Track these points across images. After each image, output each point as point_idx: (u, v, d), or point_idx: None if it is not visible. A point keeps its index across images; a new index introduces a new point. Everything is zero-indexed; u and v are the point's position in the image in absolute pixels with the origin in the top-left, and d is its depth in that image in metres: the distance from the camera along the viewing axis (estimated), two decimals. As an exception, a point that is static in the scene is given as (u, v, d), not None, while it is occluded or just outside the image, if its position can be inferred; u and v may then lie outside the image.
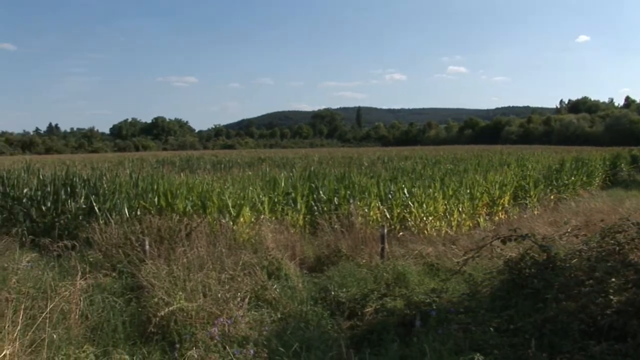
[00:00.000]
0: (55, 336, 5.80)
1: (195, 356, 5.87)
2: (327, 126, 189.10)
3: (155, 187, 12.85)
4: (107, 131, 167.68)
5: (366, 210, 13.03)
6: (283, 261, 9.26)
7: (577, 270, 6.43)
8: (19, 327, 5.32)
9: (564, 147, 59.05)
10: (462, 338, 5.68)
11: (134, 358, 6.09)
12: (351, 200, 13.26)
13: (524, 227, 10.37)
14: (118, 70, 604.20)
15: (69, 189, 12.60)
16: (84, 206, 12.06)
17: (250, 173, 19.81)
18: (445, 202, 14.90)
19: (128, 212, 11.66)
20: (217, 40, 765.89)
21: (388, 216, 13.38)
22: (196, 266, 8.00)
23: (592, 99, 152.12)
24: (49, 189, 12.63)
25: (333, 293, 8.25)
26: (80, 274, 7.30)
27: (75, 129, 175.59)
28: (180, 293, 6.97)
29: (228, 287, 7.48)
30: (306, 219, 13.21)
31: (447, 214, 14.84)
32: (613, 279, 5.85)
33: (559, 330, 5.46)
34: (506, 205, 18.19)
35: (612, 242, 6.65)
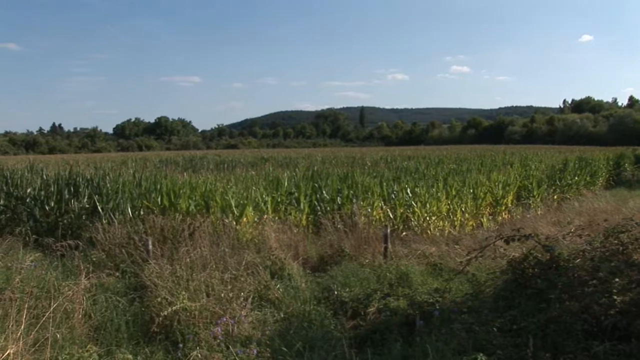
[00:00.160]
0: (58, 335, 5.81)
1: (199, 356, 5.87)
2: (330, 126, 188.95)
3: (159, 186, 12.85)
4: (110, 131, 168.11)
5: (369, 210, 13.03)
6: (286, 261, 9.26)
7: (581, 271, 6.41)
8: (22, 327, 5.33)
9: (568, 147, 58.98)
10: (466, 338, 5.67)
11: (137, 358, 6.09)
12: (354, 200, 13.26)
13: (527, 227, 10.34)
14: (122, 70, 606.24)
15: (72, 189, 12.62)
16: (87, 206, 12.07)
17: (253, 173, 19.79)
18: (449, 202, 14.89)
19: (131, 211, 11.66)
20: (220, 40, 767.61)
21: (391, 216, 13.38)
22: (199, 266, 8.01)
23: (596, 99, 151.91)
24: (52, 189, 12.65)
25: (336, 293, 8.25)
26: (83, 273, 7.33)
27: (78, 129, 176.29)
28: (184, 293, 6.98)
29: (231, 287, 7.48)
30: (309, 218, 13.21)
31: (450, 213, 14.84)
32: (617, 279, 5.84)
33: (563, 331, 5.45)
34: (509, 205, 18.17)
35: (616, 242, 6.64)
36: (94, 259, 9.22)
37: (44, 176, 14.21)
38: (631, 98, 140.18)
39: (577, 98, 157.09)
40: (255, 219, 11.74)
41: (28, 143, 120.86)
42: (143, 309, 7.18)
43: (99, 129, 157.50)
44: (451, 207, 14.92)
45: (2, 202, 13.04)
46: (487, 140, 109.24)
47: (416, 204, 13.94)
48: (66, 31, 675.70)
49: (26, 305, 5.82)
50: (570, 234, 8.25)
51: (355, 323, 7.45)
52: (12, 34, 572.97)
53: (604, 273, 6.03)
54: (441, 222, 14.22)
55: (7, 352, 4.94)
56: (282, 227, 11.36)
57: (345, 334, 6.76)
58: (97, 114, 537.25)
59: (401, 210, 13.76)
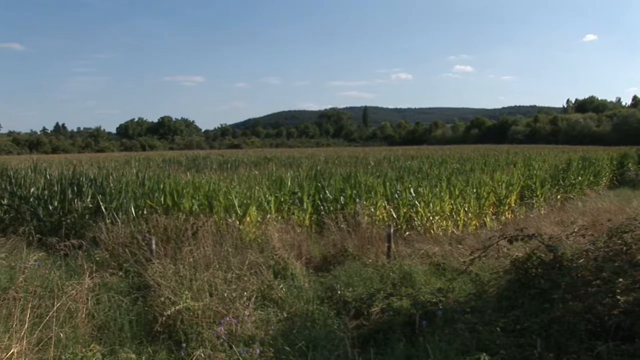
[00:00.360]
0: (62, 335, 5.82)
1: (202, 355, 5.87)
2: (334, 126, 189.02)
3: (162, 186, 12.87)
4: (113, 131, 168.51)
5: (372, 209, 13.02)
6: (289, 261, 9.26)
7: (584, 270, 6.40)
8: (26, 326, 5.35)
9: (571, 147, 58.86)
10: (469, 338, 5.67)
11: (141, 357, 6.10)
12: (357, 200, 13.26)
13: (530, 226, 10.34)
14: (125, 70, 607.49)
15: (75, 189, 12.65)
16: (90, 205, 12.09)
17: (256, 172, 19.80)
18: (452, 202, 14.88)
19: (134, 211, 11.68)
20: (223, 40, 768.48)
21: (394, 216, 13.37)
22: (202, 265, 8.02)
23: (599, 99, 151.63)
24: (55, 189, 12.69)
25: (339, 292, 8.25)
26: (87, 273, 7.34)
27: (82, 129, 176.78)
28: (187, 292, 6.98)
29: (234, 287, 7.49)
30: (312, 218, 13.21)
31: (453, 213, 14.82)
32: (620, 279, 5.82)
33: (566, 331, 5.44)
34: (513, 204, 18.14)
35: (620, 242, 6.62)
36: (98, 259, 9.23)
37: (48, 176, 14.27)
38: (635, 98, 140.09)
39: (581, 98, 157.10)
40: (259, 219, 11.74)
41: (32, 143, 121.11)
42: (146, 309, 7.19)
43: (102, 128, 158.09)
44: (454, 206, 14.90)
45: (5, 201, 13.07)
46: (491, 140, 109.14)
47: (419, 203, 13.92)
48: (69, 31, 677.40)
49: (30, 305, 5.84)
50: (574, 234, 8.23)
51: (358, 323, 7.44)
52: (16, 34, 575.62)
53: (608, 273, 6.02)
54: (444, 222, 14.20)
55: (11, 351, 4.95)
56: (285, 226, 11.36)
57: (348, 333, 6.75)
58: (100, 114, 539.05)
59: (404, 210, 13.75)
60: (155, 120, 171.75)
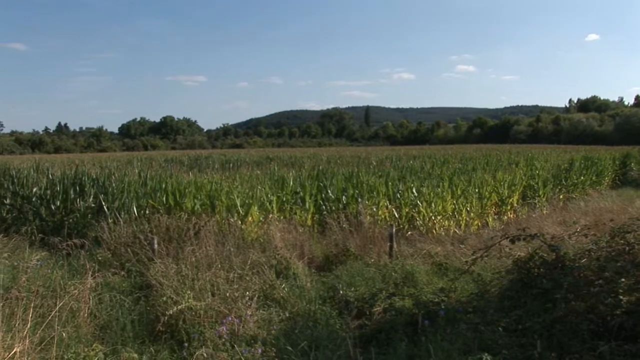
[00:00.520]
0: (64, 334, 5.83)
1: (204, 355, 5.88)
2: (336, 125, 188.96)
3: (164, 186, 12.88)
4: (115, 130, 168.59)
5: (374, 209, 13.01)
6: (291, 260, 9.26)
7: (587, 270, 6.39)
8: (28, 325, 5.35)
9: (573, 147, 58.76)
10: (471, 338, 5.66)
11: (143, 357, 6.11)
12: (359, 200, 13.25)
13: (532, 226, 10.31)
14: (127, 70, 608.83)
15: (78, 188, 12.67)
16: (92, 205, 12.11)
17: (258, 172, 19.83)
18: (454, 202, 14.85)
19: (137, 211, 11.69)
20: (226, 40, 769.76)
21: (396, 215, 13.36)
22: (205, 265, 8.03)
23: (602, 98, 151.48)
24: (58, 188, 12.70)
25: (341, 292, 8.25)
26: (89, 272, 7.35)
27: (84, 128, 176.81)
28: (189, 292, 6.99)
29: (236, 286, 7.49)
30: (314, 218, 13.20)
31: (455, 213, 14.80)
32: (623, 279, 5.81)
33: (568, 331, 5.43)
34: (515, 204, 18.11)
35: (622, 242, 6.61)
36: (100, 258, 9.25)
37: (50, 176, 14.28)
38: (637, 97, 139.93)
39: (583, 97, 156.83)
40: (261, 219, 11.74)
41: (34, 142, 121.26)
42: (148, 308, 7.20)
43: (104, 128, 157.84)
44: (456, 206, 14.88)
45: (8, 201, 13.10)
46: (493, 139, 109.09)
47: (421, 203, 13.91)
48: (71, 31, 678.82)
49: (32, 304, 5.85)
50: (576, 234, 8.22)
51: (360, 322, 7.43)
52: (19, 34, 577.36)
53: (610, 273, 6.01)
54: (446, 222, 14.18)
55: (14, 350, 4.96)
56: (288, 226, 11.36)
57: (350, 333, 6.75)
58: (102, 114, 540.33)
59: (406, 210, 13.74)
60: (158, 120, 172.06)
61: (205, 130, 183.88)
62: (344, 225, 11.53)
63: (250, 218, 11.70)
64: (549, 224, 12.33)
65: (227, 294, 7.22)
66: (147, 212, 11.67)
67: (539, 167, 23.83)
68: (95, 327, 6.60)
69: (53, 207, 12.23)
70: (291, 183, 14.33)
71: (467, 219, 15.03)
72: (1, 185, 13.95)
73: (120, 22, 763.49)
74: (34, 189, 13.13)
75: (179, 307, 6.74)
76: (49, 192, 12.81)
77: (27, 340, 5.18)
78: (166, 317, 6.68)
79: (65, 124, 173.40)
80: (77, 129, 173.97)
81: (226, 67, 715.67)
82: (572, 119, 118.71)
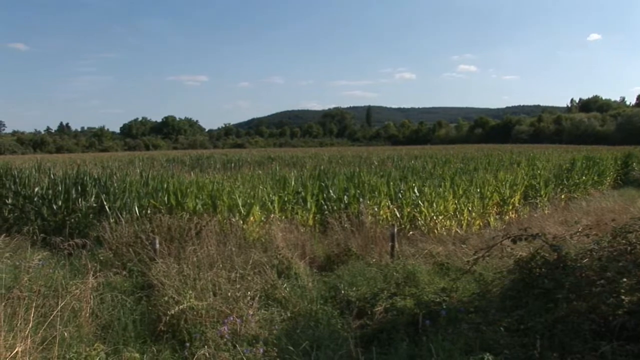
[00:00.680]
0: (66, 334, 5.83)
1: (206, 355, 5.88)
2: (337, 125, 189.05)
3: (166, 186, 12.88)
4: (117, 130, 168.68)
5: (376, 209, 13.01)
6: (293, 260, 9.27)
7: (588, 270, 6.38)
8: (30, 325, 5.36)
9: (575, 146, 58.79)
10: (473, 337, 5.66)
11: (144, 356, 6.11)
12: (361, 200, 13.24)
13: (534, 226, 10.31)
14: (128, 69, 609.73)
15: (79, 188, 12.67)
16: (94, 205, 12.11)
17: (260, 172, 19.83)
18: (456, 202, 14.85)
19: (138, 210, 11.69)
20: (226, 40, 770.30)
21: (398, 215, 13.35)
22: (206, 265, 8.03)
23: (604, 98, 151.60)
24: (59, 188, 12.70)
25: (343, 292, 8.25)
26: (91, 272, 7.35)
27: (86, 128, 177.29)
28: (191, 292, 6.99)
29: (238, 286, 7.49)
30: (316, 218, 13.20)
31: (457, 213, 14.79)
32: (624, 279, 5.81)
33: (570, 330, 5.43)
34: (516, 204, 18.09)
35: (624, 241, 6.60)
36: (102, 258, 9.26)
37: (52, 175, 14.27)
38: (639, 97, 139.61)
39: (585, 97, 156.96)
40: (262, 218, 11.74)
41: (36, 142, 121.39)
42: (150, 308, 7.20)
43: (106, 128, 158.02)
44: (458, 206, 14.87)
45: (10, 201, 13.11)
46: (494, 139, 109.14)
47: (423, 203, 13.90)
48: (72, 31, 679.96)
49: (34, 304, 5.86)
50: (578, 234, 8.21)
51: (362, 322, 7.43)
52: (20, 34, 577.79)
53: (612, 273, 6.00)
54: (448, 222, 14.18)
55: (16, 350, 4.96)
56: (289, 226, 11.36)
57: (351, 333, 6.75)
58: (104, 114, 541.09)
59: (408, 210, 13.73)
60: (159, 120, 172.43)
61: (206, 130, 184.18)
62: (345, 225, 11.53)
63: (251, 218, 11.70)
64: (551, 224, 12.32)
65: (229, 294, 7.22)
66: (149, 212, 11.67)
67: (540, 167, 23.81)
68: (96, 326, 6.60)
69: (55, 207, 12.24)
70: (293, 183, 14.33)
71: (469, 218, 15.02)
72: (3, 185, 13.95)
73: (120, 22, 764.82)
74: (36, 189, 13.14)
75: (181, 306, 6.74)
76: (50, 192, 12.81)
77: (29, 340, 5.19)
78: (168, 317, 6.68)
79: (67, 124, 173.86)
80: (79, 129, 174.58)
81: (227, 67, 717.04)
82: (574, 118, 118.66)
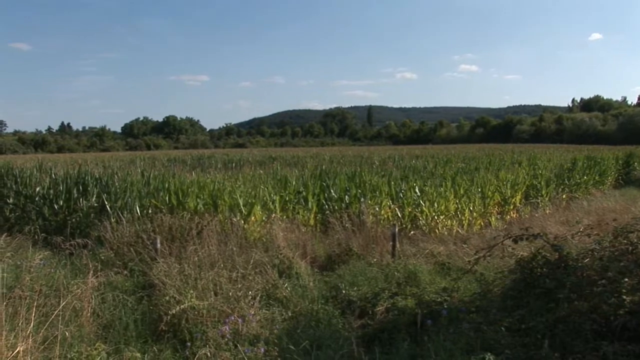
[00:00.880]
0: (67, 334, 5.84)
1: (207, 354, 5.89)
2: (338, 125, 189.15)
3: (167, 185, 12.87)
4: (118, 130, 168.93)
5: (377, 209, 13.01)
6: (294, 260, 9.27)
7: (590, 270, 6.38)
8: (32, 325, 5.37)
9: (576, 146, 58.76)
10: (474, 337, 5.66)
11: (145, 356, 6.11)
12: (362, 199, 13.23)
13: (535, 226, 10.30)
14: (130, 69, 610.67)
15: (81, 188, 12.68)
16: (95, 204, 12.12)
17: (261, 172, 19.84)
18: (457, 201, 14.84)
19: (139, 210, 11.69)
20: (226, 40, 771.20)
21: (399, 215, 13.34)
22: (207, 265, 8.03)
23: (605, 98, 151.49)
24: (61, 188, 12.71)
25: (344, 292, 8.25)
26: (92, 272, 7.36)
27: (87, 128, 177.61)
28: (192, 291, 6.99)
29: (239, 286, 7.50)
30: (317, 217, 13.19)
31: (458, 213, 14.78)
32: (626, 279, 5.80)
33: (571, 330, 5.43)
34: (518, 204, 18.08)
35: (625, 241, 6.60)
36: (103, 258, 9.25)
37: (53, 175, 14.30)
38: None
39: (586, 97, 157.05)
40: (263, 218, 11.74)
41: (37, 142, 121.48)
42: (151, 308, 7.20)
43: (107, 128, 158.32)
44: (459, 206, 14.86)
45: (11, 200, 13.13)
46: (496, 139, 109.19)
47: (424, 203, 13.89)
48: (72, 31, 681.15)
49: (35, 304, 5.86)
50: (579, 234, 8.20)
51: (363, 322, 7.43)
52: (22, 34, 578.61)
53: (613, 273, 6.00)
54: (449, 221, 14.17)
55: (17, 349, 4.97)
56: (290, 226, 11.37)
57: (353, 332, 6.77)
58: (105, 113, 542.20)
59: (409, 209, 13.72)
60: (160, 120, 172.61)
61: (208, 129, 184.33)
62: (346, 225, 11.53)
63: (252, 217, 11.69)
64: (552, 224, 12.31)
65: (230, 294, 7.22)
66: (150, 211, 11.67)
67: (541, 166, 23.81)
68: (98, 326, 6.60)
69: (56, 207, 12.25)
70: (294, 183, 14.33)
71: (470, 218, 15.01)
72: (4, 185, 13.97)
73: (120, 22, 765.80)
74: (37, 189, 13.15)
75: (182, 306, 6.75)
76: (52, 191, 12.82)
77: (30, 340, 5.19)
78: (169, 317, 6.68)
79: (68, 124, 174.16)
80: (80, 129, 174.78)
81: (228, 67, 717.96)
82: (575, 118, 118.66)
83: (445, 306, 7.00)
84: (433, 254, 10.34)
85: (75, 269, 8.42)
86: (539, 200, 18.81)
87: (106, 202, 11.93)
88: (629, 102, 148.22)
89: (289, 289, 8.06)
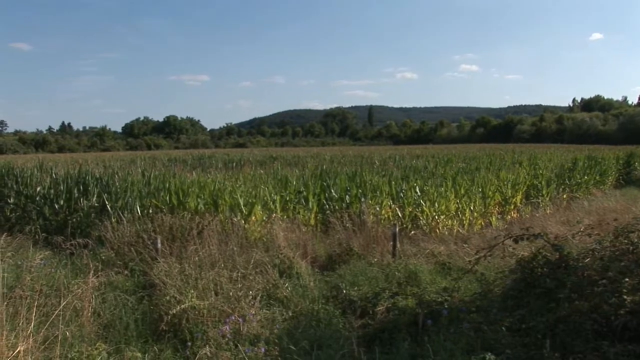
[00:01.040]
0: (68, 333, 5.84)
1: (207, 354, 5.88)
2: (339, 125, 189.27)
3: (167, 185, 12.88)
4: (119, 130, 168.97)
5: (378, 208, 13.00)
6: (294, 260, 9.26)
7: (590, 270, 6.38)
8: (32, 324, 5.37)
9: (577, 146, 58.73)
10: (474, 337, 5.66)
11: (146, 356, 6.11)
12: (363, 199, 13.24)
13: (536, 226, 10.30)
14: (130, 69, 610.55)
15: (81, 188, 12.68)
16: (96, 204, 12.13)
17: (262, 172, 19.84)
18: (457, 201, 14.84)
19: (140, 210, 11.69)
20: (226, 40, 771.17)
21: (400, 215, 13.34)
22: (208, 264, 8.02)
23: (605, 98, 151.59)
24: (61, 188, 12.72)
25: (344, 292, 8.24)
26: (92, 271, 7.35)
27: (87, 128, 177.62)
28: (192, 291, 6.99)
29: (240, 286, 7.49)
30: (318, 217, 13.19)
31: (459, 212, 14.78)
32: (626, 279, 5.80)
33: (572, 330, 5.43)
34: (518, 204, 18.09)
35: (626, 241, 6.59)
36: (103, 258, 9.25)
37: (54, 175, 14.31)
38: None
39: (587, 97, 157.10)
40: (264, 218, 11.74)
41: (37, 142, 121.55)
42: (152, 307, 7.20)
43: (107, 128, 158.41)
44: (460, 206, 14.86)
45: (12, 200, 13.14)
46: (496, 139, 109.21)
47: (425, 202, 13.89)
48: (73, 31, 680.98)
49: (36, 303, 5.86)
50: (580, 233, 8.19)
51: (363, 322, 7.43)
52: (23, 34, 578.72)
53: (614, 273, 5.99)
54: (450, 221, 14.17)
55: (18, 349, 4.97)
56: (291, 225, 11.37)
57: (353, 332, 6.76)
58: (105, 113, 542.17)
59: (410, 209, 13.72)
60: (161, 120, 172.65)
61: (208, 129, 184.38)
62: (347, 225, 11.53)
63: (253, 217, 11.70)
64: (553, 224, 12.31)
65: (231, 294, 7.22)
66: (151, 211, 11.68)
67: (542, 166, 23.81)
68: (98, 326, 6.60)
69: (57, 207, 12.25)
70: (294, 182, 14.33)
71: (471, 218, 15.00)
72: (5, 185, 13.99)
73: (120, 22, 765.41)
74: (38, 189, 13.16)
75: (182, 306, 6.75)
76: (52, 191, 12.83)
77: (31, 339, 5.19)
78: (169, 316, 6.68)
79: (69, 124, 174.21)
80: (81, 129, 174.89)
81: (228, 67, 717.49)
82: (576, 118, 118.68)
83: (446, 306, 7.00)
84: (434, 253, 10.34)
85: (76, 269, 8.42)
86: (540, 200, 18.81)
87: (107, 202, 11.94)
88: (630, 102, 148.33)
89: (289, 288, 8.06)
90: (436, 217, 13.84)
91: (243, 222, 11.28)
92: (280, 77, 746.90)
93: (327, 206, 13.46)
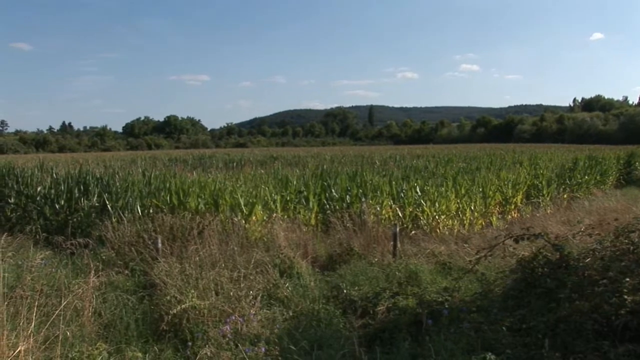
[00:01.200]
0: (68, 333, 5.84)
1: (208, 354, 5.88)
2: (339, 125, 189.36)
3: (168, 185, 12.89)
4: (119, 130, 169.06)
5: (378, 208, 13.00)
6: (295, 259, 9.26)
7: (591, 270, 6.37)
8: (33, 324, 5.36)
9: (578, 146, 58.73)
10: (475, 337, 5.66)
11: (147, 355, 6.11)
12: (363, 199, 13.24)
13: (536, 226, 10.29)
14: (131, 69, 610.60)
15: (82, 187, 12.69)
16: (96, 204, 12.13)
17: (262, 171, 19.84)
18: (458, 201, 14.84)
19: (140, 210, 11.70)
20: (226, 40, 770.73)
21: (400, 215, 13.34)
22: (208, 264, 8.02)
23: (606, 97, 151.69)
24: (62, 187, 12.73)
25: (345, 291, 8.24)
26: (93, 271, 7.35)
27: (88, 128, 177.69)
28: (193, 291, 6.99)
29: (240, 286, 7.49)
30: (318, 217, 13.20)
31: (459, 212, 14.78)
32: (627, 279, 5.79)
33: (572, 330, 5.42)
34: (519, 204, 18.09)
35: (626, 241, 6.59)
36: (104, 257, 9.26)
37: (54, 175, 14.32)
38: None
39: (587, 96, 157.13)
40: (265, 218, 11.75)
41: (38, 142, 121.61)
42: (152, 307, 7.20)
43: (108, 127, 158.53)
44: (460, 206, 14.86)
45: (13, 200, 13.14)
46: (497, 138, 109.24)
47: (425, 202, 13.89)
48: (73, 31, 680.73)
49: (36, 303, 5.85)
50: (580, 233, 8.19)
51: (364, 322, 7.42)
52: (23, 34, 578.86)
53: (614, 272, 5.99)
54: (450, 221, 14.17)
55: (18, 349, 4.96)
56: (291, 225, 11.37)
57: (354, 332, 6.75)
58: (106, 113, 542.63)
59: (410, 209, 13.72)
60: (161, 119, 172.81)
61: (209, 129, 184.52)
62: (347, 225, 11.53)
63: (254, 217, 11.70)
64: (553, 224, 12.30)
65: (231, 293, 7.22)
66: (151, 211, 11.69)
67: (543, 166, 23.81)
68: (99, 326, 6.60)
69: (57, 206, 12.26)
70: (295, 182, 14.33)
71: (471, 218, 15.01)
72: (6, 185, 13.99)
73: (120, 22, 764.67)
74: (39, 188, 13.17)
75: (183, 306, 6.75)
76: (53, 191, 12.83)
77: (32, 339, 5.19)
78: (170, 316, 6.68)
79: (69, 123, 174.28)
80: (81, 129, 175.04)
81: (228, 67, 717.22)
82: (576, 118, 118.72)
83: (447, 306, 6.99)
84: (434, 253, 10.34)
85: (77, 269, 8.43)
86: (540, 200, 18.81)
87: (107, 202, 11.95)
88: (630, 102, 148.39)
89: (290, 288, 8.05)
90: (437, 217, 13.84)
91: (244, 222, 11.28)
92: (280, 77, 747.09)
93: (327, 206, 13.47)
